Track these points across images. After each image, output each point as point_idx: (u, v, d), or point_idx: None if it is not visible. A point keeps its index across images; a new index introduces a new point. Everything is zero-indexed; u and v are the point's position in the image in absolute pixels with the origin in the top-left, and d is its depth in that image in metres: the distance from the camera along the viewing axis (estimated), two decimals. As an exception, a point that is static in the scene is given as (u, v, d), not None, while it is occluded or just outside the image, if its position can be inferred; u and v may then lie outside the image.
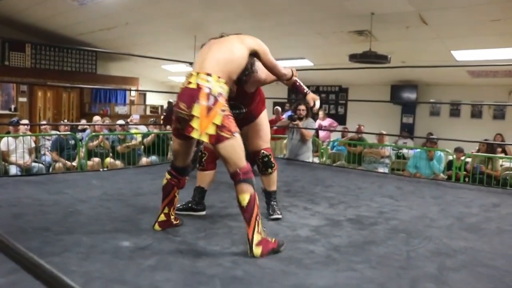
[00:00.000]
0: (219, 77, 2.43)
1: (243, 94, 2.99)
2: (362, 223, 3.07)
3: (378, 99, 11.19)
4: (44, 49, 12.36)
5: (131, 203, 3.50)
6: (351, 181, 4.83)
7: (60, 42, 11.98)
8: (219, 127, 2.34)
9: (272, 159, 3.14)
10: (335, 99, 13.24)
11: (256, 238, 2.31)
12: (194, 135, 2.38)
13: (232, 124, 2.40)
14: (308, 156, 6.03)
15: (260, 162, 3.15)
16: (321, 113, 10.13)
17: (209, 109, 2.34)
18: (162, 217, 2.75)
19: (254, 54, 2.68)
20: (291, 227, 2.91)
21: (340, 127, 10.17)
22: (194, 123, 2.35)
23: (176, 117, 2.48)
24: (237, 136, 2.41)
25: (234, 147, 2.39)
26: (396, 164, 7.78)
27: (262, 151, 3.12)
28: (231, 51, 2.54)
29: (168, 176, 2.77)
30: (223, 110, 2.38)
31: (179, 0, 7.80)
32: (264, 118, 3.22)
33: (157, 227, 2.74)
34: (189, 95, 2.39)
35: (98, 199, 3.60)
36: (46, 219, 2.87)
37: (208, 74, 2.41)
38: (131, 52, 10.90)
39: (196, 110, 2.33)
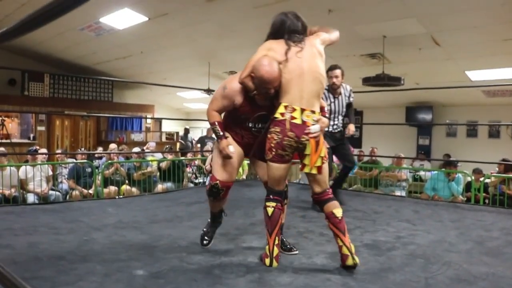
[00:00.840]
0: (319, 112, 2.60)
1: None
2: (379, 249, 3.02)
3: (393, 121, 11.13)
4: (62, 79, 12.64)
5: (146, 231, 3.51)
6: (368, 205, 4.77)
7: (78, 71, 12.25)
8: (323, 158, 2.58)
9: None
10: (350, 122, 13.20)
11: (353, 246, 2.55)
12: (306, 170, 2.57)
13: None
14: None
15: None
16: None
17: (317, 144, 2.53)
18: (277, 251, 2.62)
19: None
20: (307, 254, 2.87)
21: (355, 151, 10.10)
22: (306, 160, 2.56)
23: (283, 145, 2.55)
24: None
25: (326, 170, 2.63)
26: (413, 186, 7.67)
27: None
28: (321, 83, 2.63)
29: (273, 204, 2.66)
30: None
31: (192, 28, 7.93)
32: None
33: (275, 264, 2.60)
34: (299, 130, 2.52)
35: (113, 227, 3.61)
36: (61, 248, 2.89)
37: (313, 112, 2.55)
38: (147, 79, 11.08)
39: (308, 149, 2.54)
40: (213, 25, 7.71)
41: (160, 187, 7.31)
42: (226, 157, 2.71)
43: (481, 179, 6.46)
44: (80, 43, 9.56)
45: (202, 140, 11.47)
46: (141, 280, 2.34)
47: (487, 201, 6.37)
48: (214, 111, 2.74)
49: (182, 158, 8.59)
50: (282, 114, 2.53)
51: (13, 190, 6.23)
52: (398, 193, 6.89)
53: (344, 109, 4.69)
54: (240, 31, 7.81)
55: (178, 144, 13.77)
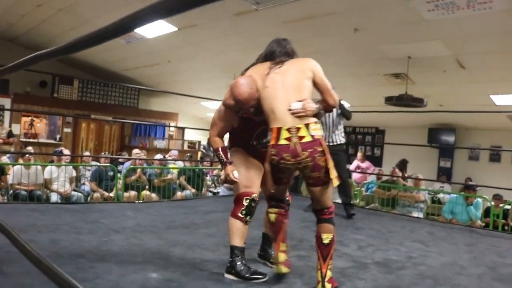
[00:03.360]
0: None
1: None
2: (389, 267, 3.05)
3: (415, 142, 11.03)
4: (90, 83, 12.97)
5: (163, 236, 3.61)
6: (382, 224, 4.79)
7: (106, 76, 12.57)
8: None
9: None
10: (371, 141, 13.17)
11: (328, 274, 2.46)
12: (336, 183, 2.44)
13: None
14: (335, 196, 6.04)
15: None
16: (359, 155, 10.12)
17: (328, 156, 2.43)
18: (284, 256, 2.62)
19: None
20: (317, 268, 2.92)
21: (375, 169, 10.09)
22: (331, 174, 2.41)
23: (280, 168, 2.50)
24: None
25: (332, 188, 2.54)
26: (431, 208, 7.62)
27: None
28: (300, 95, 2.52)
29: (275, 210, 2.69)
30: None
31: (219, 40, 8.09)
32: None
33: (285, 269, 2.60)
34: (308, 147, 2.39)
35: (131, 230, 3.72)
36: (81, 247, 3.01)
37: (298, 129, 2.40)
38: (173, 87, 11.28)
39: (330, 162, 2.42)
40: (240, 38, 7.85)
41: (179, 194, 7.44)
42: (230, 183, 2.72)
43: (501, 205, 6.39)
44: (110, 49, 9.83)
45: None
46: (154, 282, 2.43)
47: (506, 227, 6.29)
48: (215, 136, 2.77)
49: (203, 167, 8.71)
50: (273, 138, 2.45)
51: (36, 188, 6.45)
52: (415, 214, 6.85)
53: (336, 122, 5.18)
54: (265, 45, 7.92)
55: (199, 153, 13.92)
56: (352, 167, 9.83)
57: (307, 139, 2.38)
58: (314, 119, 2.44)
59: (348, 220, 4.89)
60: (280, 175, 2.56)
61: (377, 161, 12.07)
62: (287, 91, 2.47)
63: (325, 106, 2.56)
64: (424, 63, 7.18)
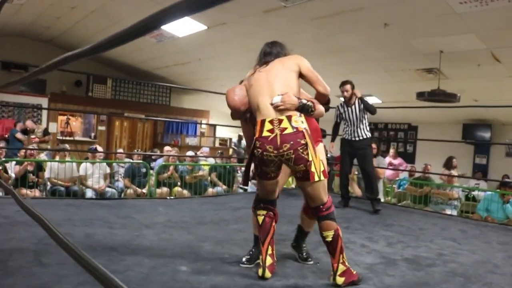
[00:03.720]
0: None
1: None
2: (419, 264, 3.02)
3: (449, 138, 10.80)
4: (124, 82, 13.26)
5: (193, 231, 3.67)
6: (413, 221, 4.72)
7: (138, 75, 12.82)
8: (323, 161, 2.51)
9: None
10: (404, 137, 12.96)
11: (341, 268, 2.45)
12: (316, 178, 2.40)
13: None
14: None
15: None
16: (392, 151, 9.98)
17: (314, 148, 2.43)
18: (270, 260, 2.55)
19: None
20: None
21: (408, 166, 9.92)
22: (312, 167, 2.39)
23: (264, 161, 2.48)
24: None
25: (324, 183, 2.52)
26: (466, 206, 7.45)
27: None
28: (281, 90, 2.58)
29: (263, 212, 2.64)
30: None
31: (248, 37, 8.13)
32: (321, 153, 2.79)
33: (268, 274, 2.50)
34: (290, 139, 2.39)
35: (162, 226, 3.81)
36: (114, 240, 3.10)
37: (281, 121, 2.42)
38: (204, 85, 11.40)
39: (314, 155, 2.40)
40: (269, 35, 7.81)
41: (210, 190, 7.54)
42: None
43: (539, 202, 6.19)
44: (142, 48, 10.02)
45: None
46: (184, 275, 2.49)
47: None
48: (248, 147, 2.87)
49: (233, 164, 8.78)
50: (257, 131, 2.47)
51: (72, 183, 6.66)
52: (448, 211, 6.72)
53: (360, 117, 5.21)
54: (295, 42, 7.89)
55: (230, 150, 14.03)
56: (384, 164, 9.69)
57: (289, 130, 2.38)
58: (298, 113, 2.45)
59: (378, 217, 4.85)
60: (265, 167, 2.53)
61: (409, 158, 11.87)
62: (271, 85, 2.51)
63: (318, 97, 2.60)
64: (457, 57, 7.02)
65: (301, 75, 2.58)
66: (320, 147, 2.90)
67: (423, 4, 5.61)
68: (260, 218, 2.63)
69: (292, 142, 2.37)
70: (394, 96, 9.81)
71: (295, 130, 2.39)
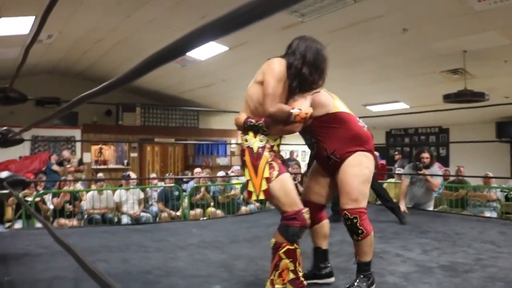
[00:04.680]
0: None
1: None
2: (456, 270, 2.96)
3: (483, 138, 10.56)
4: (152, 108, 13.58)
5: (226, 250, 3.71)
6: (450, 226, 4.63)
7: (165, 100, 13.10)
8: (267, 180, 2.30)
9: (359, 223, 2.41)
10: (435, 141, 12.73)
11: (267, 286, 2.33)
12: (253, 197, 2.32)
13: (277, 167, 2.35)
14: (431, 205, 5.87)
15: (344, 225, 2.50)
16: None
17: (254, 166, 2.33)
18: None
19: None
20: (379, 273, 2.89)
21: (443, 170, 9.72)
22: (249, 186, 2.33)
23: None
24: (282, 177, 2.33)
25: (278, 197, 2.33)
26: (506, 207, 7.23)
27: (345, 212, 2.43)
28: (246, 101, 2.51)
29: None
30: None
31: (269, 55, 8.15)
32: (355, 167, 2.47)
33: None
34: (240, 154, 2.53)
35: (196, 246, 3.86)
36: (149, 264, 3.17)
37: (245, 134, 2.44)
38: (230, 105, 11.53)
39: (246, 173, 2.35)
40: (289, 51, 7.95)
41: (243, 209, 7.58)
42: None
43: None
44: (167, 74, 10.25)
45: (285, 163, 11.67)
46: (218, 294, 2.52)
47: None
48: None
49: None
50: None
51: (108, 211, 6.83)
52: (488, 214, 6.54)
53: None
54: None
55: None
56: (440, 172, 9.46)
57: (240, 147, 2.46)
58: (246, 130, 2.39)
59: (412, 224, 4.77)
60: None
61: (443, 161, 11.63)
62: (244, 99, 2.48)
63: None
64: (482, 56, 6.91)
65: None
66: (358, 157, 2.50)
67: (441, 6, 5.57)
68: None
69: (241, 158, 2.47)
70: (422, 100, 9.69)
71: (241, 147, 2.44)
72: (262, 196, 2.29)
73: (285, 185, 2.32)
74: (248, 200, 2.32)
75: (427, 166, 5.56)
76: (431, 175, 5.53)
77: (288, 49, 2.46)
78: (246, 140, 2.37)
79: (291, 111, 2.29)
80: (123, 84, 1.15)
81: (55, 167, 9.52)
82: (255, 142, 2.35)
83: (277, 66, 2.34)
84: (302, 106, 2.35)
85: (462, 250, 3.54)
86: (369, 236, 2.45)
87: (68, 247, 1.19)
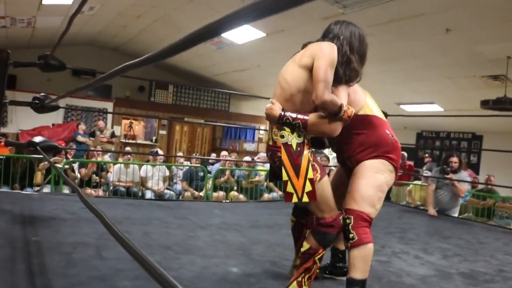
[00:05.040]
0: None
1: None
2: (475, 279, 2.91)
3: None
4: (184, 88, 13.69)
5: (246, 234, 3.74)
6: (473, 234, 4.54)
7: (198, 81, 13.18)
8: (312, 181, 2.09)
9: (352, 226, 2.14)
10: (468, 147, 12.44)
11: (293, 285, 2.20)
12: (294, 199, 2.08)
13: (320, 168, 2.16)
14: (456, 211, 5.78)
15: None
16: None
17: (294, 166, 2.10)
18: (298, 261, 2.37)
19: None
20: (397, 274, 2.88)
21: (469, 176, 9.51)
22: (288, 187, 2.09)
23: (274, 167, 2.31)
24: (323, 181, 2.16)
25: (321, 200, 2.15)
26: (535, 221, 7.04)
27: (342, 211, 2.21)
28: (282, 87, 2.25)
29: (293, 218, 2.54)
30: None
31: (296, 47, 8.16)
32: (367, 170, 2.24)
33: (294, 271, 2.38)
34: (269, 149, 2.23)
35: (216, 227, 3.90)
36: (169, 240, 3.22)
37: (282, 129, 2.19)
38: (263, 91, 11.48)
39: (286, 173, 2.10)
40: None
41: (266, 196, 7.60)
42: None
43: None
44: (202, 55, 10.30)
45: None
46: (234, 276, 2.55)
47: None
48: None
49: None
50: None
51: (133, 185, 6.97)
52: (514, 226, 6.39)
53: None
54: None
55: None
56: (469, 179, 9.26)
57: (270, 141, 2.19)
58: (281, 126, 2.13)
59: (435, 228, 4.70)
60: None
61: (473, 169, 11.36)
62: (278, 84, 2.22)
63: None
64: (526, 63, 6.69)
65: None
66: (374, 162, 2.26)
67: (487, 9, 5.40)
68: (291, 224, 2.56)
69: (270, 153, 2.20)
70: (457, 104, 9.46)
71: (273, 143, 2.16)
72: (306, 199, 2.06)
73: (326, 190, 2.15)
74: (287, 203, 2.09)
75: (455, 171, 5.47)
76: (458, 181, 5.42)
77: (328, 34, 2.23)
78: (282, 136, 2.12)
79: (343, 105, 2.08)
80: (159, 60, 1.17)
81: (80, 138, 9.71)
82: (293, 138, 2.11)
83: (330, 50, 2.08)
84: (344, 100, 2.13)
85: (484, 260, 3.47)
86: (363, 248, 2.11)
87: (98, 213, 1.23)
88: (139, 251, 1.32)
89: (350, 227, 2.13)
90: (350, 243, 2.12)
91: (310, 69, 2.08)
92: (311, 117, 2.10)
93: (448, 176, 5.42)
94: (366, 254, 2.12)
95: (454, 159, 5.49)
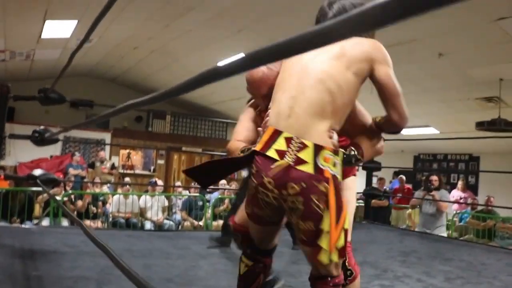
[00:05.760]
0: None
1: None
2: (480, 301, 2.90)
3: (515, 169, 10.28)
4: (182, 117, 13.77)
5: (247, 263, 3.71)
6: (474, 256, 4.52)
7: (196, 110, 13.28)
8: (346, 232, 1.59)
9: (348, 264, 1.83)
10: (465, 169, 12.47)
11: None
12: (324, 260, 1.54)
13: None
14: (442, 231, 6.00)
15: None
16: (460, 184, 9.66)
17: (338, 209, 1.52)
18: None
19: None
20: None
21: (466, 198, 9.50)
22: (323, 242, 1.51)
23: (257, 199, 1.62)
24: None
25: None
26: (537, 241, 7.01)
27: None
28: (329, 91, 1.63)
29: (248, 262, 1.91)
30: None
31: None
32: (346, 189, 1.83)
33: None
34: (302, 178, 1.50)
35: (217, 257, 3.89)
36: (170, 271, 3.20)
37: (302, 145, 1.55)
38: (258, 119, 11.64)
39: (324, 220, 1.49)
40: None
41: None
42: None
43: None
44: (199, 84, 10.40)
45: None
46: (237, 306, 2.53)
47: None
48: None
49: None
50: (261, 142, 1.59)
51: (132, 216, 6.95)
52: (516, 247, 6.37)
53: None
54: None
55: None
56: (453, 197, 9.28)
57: (307, 168, 1.48)
58: (336, 145, 1.57)
59: (436, 251, 4.68)
60: (256, 209, 1.66)
61: (472, 190, 11.36)
62: (304, 82, 1.57)
63: (386, 124, 1.70)
64: (518, 85, 6.79)
65: (373, 81, 1.62)
66: (350, 182, 1.95)
67: (478, 33, 5.52)
68: (243, 268, 1.91)
69: (304, 185, 1.48)
70: (453, 126, 9.54)
71: (315, 170, 1.48)
72: (335, 258, 1.54)
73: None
74: (317, 264, 1.54)
75: (437, 188, 5.98)
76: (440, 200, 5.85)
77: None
78: (335, 165, 1.53)
79: None
80: (172, 96, 1.19)
81: (72, 171, 9.47)
82: (333, 168, 1.53)
83: (388, 54, 1.65)
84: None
85: (487, 281, 3.46)
86: (357, 279, 1.85)
87: (102, 246, 1.24)
88: (145, 282, 1.33)
89: (346, 263, 1.81)
90: (349, 280, 1.81)
91: (363, 77, 1.62)
92: (363, 142, 1.69)
93: (432, 193, 5.88)
94: (358, 283, 1.90)
95: (434, 177, 6.04)
